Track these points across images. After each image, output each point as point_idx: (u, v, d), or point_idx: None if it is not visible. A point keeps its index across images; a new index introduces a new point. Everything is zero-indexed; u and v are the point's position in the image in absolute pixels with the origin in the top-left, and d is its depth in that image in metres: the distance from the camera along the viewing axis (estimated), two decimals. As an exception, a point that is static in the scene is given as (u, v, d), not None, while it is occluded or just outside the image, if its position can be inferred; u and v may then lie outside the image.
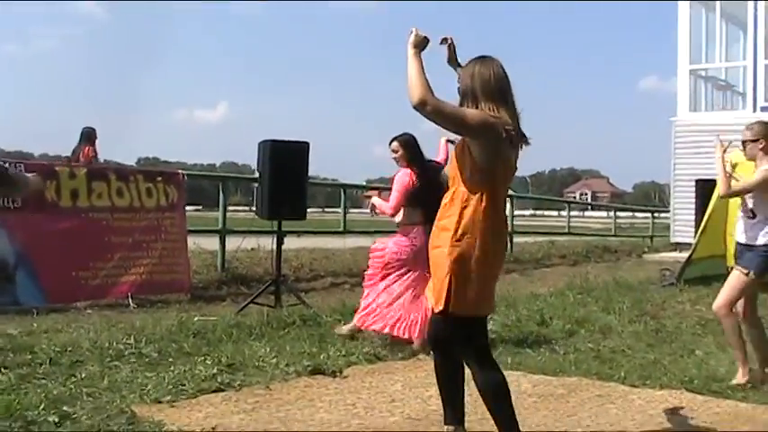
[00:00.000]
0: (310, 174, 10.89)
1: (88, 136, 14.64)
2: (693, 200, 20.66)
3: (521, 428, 4.62)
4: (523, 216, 59.83)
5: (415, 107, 4.19)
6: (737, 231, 6.72)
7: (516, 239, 20.24)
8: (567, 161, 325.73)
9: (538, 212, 72.68)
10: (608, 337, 8.51)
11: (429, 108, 4.19)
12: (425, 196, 7.45)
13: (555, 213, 62.11)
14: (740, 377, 6.54)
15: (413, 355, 7.48)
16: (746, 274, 6.46)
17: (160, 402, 5.65)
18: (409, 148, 7.92)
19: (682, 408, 5.83)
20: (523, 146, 4.54)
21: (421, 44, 4.38)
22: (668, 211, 24.84)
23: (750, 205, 6.52)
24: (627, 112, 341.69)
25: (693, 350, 7.65)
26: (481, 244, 4.35)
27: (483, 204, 4.36)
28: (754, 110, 21.57)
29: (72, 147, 14.65)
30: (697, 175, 19.75)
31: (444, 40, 4.70)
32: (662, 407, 5.88)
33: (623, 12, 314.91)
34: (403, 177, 7.88)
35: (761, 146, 6.41)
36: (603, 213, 61.19)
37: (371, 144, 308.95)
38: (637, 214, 53.64)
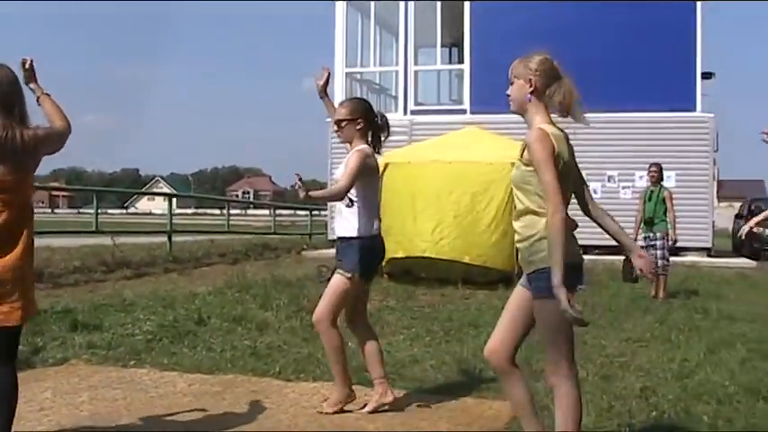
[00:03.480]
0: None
1: None
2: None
3: (176, 428, 4.56)
4: (186, 215, 59.49)
5: None
6: (336, 225, 5.88)
7: (176, 238, 20.01)
8: (230, 159, 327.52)
9: (200, 211, 72.52)
10: (265, 334, 8.63)
11: None
12: None
13: (218, 212, 62.19)
14: (334, 402, 5.73)
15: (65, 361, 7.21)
16: (350, 278, 5.61)
17: None
18: None
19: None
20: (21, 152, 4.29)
21: None
22: (326, 209, 25.59)
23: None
24: (291, 111, 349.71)
25: (347, 342, 7.91)
26: None
27: None
28: (405, 113, 22.84)
29: None
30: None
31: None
32: (315, 398, 6.07)
33: (290, 12, 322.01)
34: None
35: (359, 126, 5.72)
36: (266, 211, 61.96)
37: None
38: (298, 212, 54.74)
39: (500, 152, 12.88)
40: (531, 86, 4.15)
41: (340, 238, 5.76)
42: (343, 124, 5.71)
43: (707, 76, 23.46)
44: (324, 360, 7.19)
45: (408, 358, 7.44)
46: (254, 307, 10.25)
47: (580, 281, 4.15)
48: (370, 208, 5.71)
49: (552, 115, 4.20)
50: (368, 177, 5.63)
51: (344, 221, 5.71)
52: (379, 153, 5.87)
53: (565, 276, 3.85)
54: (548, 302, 3.94)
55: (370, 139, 5.82)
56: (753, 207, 27.72)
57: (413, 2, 23.67)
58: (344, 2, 24.17)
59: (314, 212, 33.20)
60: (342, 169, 5.70)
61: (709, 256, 21.54)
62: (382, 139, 5.89)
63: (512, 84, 4.24)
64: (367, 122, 5.75)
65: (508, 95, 4.28)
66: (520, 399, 4.27)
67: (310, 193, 5.41)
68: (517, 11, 21.99)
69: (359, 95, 24.48)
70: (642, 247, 12.52)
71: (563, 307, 3.80)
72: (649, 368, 7.13)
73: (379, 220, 5.81)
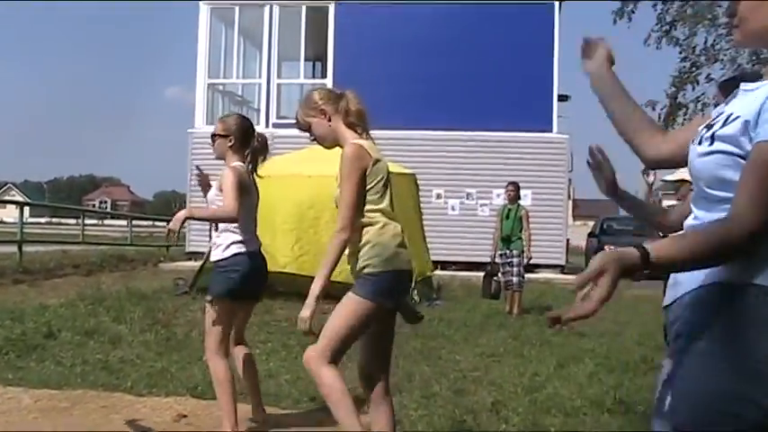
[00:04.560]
0: None
1: None
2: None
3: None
4: (39, 224, 57.61)
5: None
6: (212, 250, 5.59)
7: (27, 248, 19.33)
8: (87, 168, 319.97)
9: (55, 220, 70.41)
10: (118, 347, 8.43)
11: None
12: None
13: (73, 221, 60.47)
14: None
15: None
16: (211, 303, 5.34)
17: None
18: None
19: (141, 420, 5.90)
20: None
21: None
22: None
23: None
24: (151, 121, 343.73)
25: (202, 356, 7.82)
26: None
27: None
28: (267, 125, 22.73)
29: None
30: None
31: None
32: (167, 413, 5.96)
33: (150, 16, 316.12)
34: None
35: (230, 143, 5.48)
36: (123, 222, 60.56)
37: None
38: (157, 223, 53.79)
39: (361, 167, 12.90)
40: (325, 116, 4.40)
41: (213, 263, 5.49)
42: (216, 139, 5.51)
43: (563, 98, 24.30)
44: (177, 375, 7.12)
45: (264, 372, 7.36)
46: (108, 320, 10.00)
47: (403, 292, 4.39)
48: (242, 229, 5.42)
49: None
50: (242, 197, 5.29)
51: (215, 245, 5.46)
52: (255, 172, 5.66)
53: (386, 286, 4.26)
54: (362, 302, 4.31)
55: (248, 158, 5.58)
56: (605, 226, 28.73)
57: (277, 7, 23.61)
58: (208, 7, 23.94)
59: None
60: (214, 190, 5.48)
61: (563, 273, 22.19)
62: (259, 160, 5.65)
63: (309, 129, 4.47)
64: (239, 141, 5.48)
65: (314, 140, 4.50)
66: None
67: (194, 213, 5.22)
68: (381, 27, 22.29)
69: (221, 107, 24.33)
70: (499, 263, 12.81)
71: (302, 316, 4.33)
72: (501, 382, 7.28)
73: (257, 239, 5.65)
